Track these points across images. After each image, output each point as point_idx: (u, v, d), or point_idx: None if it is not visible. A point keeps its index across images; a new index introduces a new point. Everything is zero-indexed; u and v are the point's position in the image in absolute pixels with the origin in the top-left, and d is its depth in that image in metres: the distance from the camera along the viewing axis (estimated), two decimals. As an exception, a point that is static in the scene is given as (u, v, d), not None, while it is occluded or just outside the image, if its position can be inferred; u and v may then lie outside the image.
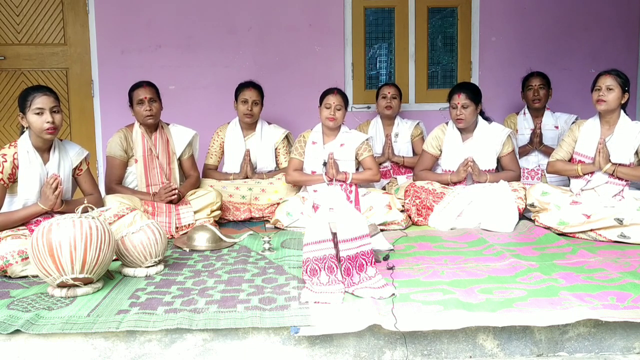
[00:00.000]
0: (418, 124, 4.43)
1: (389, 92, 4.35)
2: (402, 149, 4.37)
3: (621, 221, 3.02)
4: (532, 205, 3.42)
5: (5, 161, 2.71)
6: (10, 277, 2.53)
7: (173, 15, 4.67)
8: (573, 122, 3.88)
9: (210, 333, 2.00)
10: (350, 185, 3.56)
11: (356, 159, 3.69)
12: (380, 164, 4.28)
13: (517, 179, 3.66)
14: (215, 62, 4.74)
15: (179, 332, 2.00)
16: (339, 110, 3.61)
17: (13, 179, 2.75)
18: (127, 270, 2.55)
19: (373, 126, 4.45)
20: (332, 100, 3.60)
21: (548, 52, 4.92)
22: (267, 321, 2.00)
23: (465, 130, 3.70)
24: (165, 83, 4.50)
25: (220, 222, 3.65)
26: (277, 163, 4.08)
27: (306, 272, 2.35)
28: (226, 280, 2.46)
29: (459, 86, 3.71)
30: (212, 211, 3.53)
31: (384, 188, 4.16)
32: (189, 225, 3.38)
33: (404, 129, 4.40)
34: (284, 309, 2.09)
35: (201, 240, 3.02)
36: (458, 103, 3.59)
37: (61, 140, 2.97)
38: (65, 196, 2.88)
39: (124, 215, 2.87)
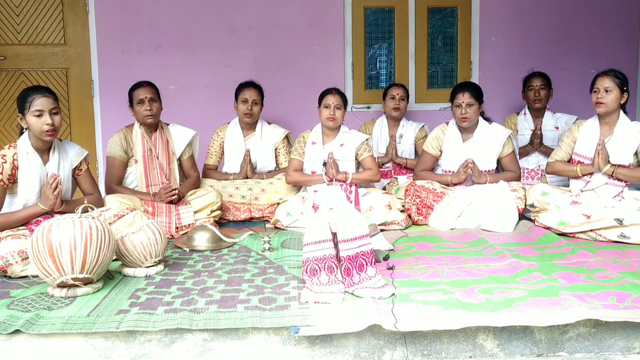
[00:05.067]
0: (423, 126, 4.43)
1: (397, 94, 4.35)
2: (405, 150, 4.37)
3: (621, 221, 3.02)
4: (532, 205, 3.42)
5: (5, 162, 2.71)
6: (10, 277, 2.53)
7: (173, 15, 4.67)
8: (573, 124, 3.88)
9: (210, 333, 2.00)
10: (350, 186, 3.56)
11: (356, 159, 3.69)
12: (383, 164, 4.29)
13: (517, 179, 3.66)
14: (215, 62, 4.74)
15: (179, 332, 2.00)
16: (338, 109, 3.61)
17: (13, 179, 2.75)
18: (127, 270, 2.55)
19: (378, 125, 4.44)
20: (331, 100, 3.60)
21: (548, 52, 4.92)
22: (267, 321, 2.00)
23: (466, 131, 3.70)
24: (165, 83, 4.50)
25: (220, 222, 3.65)
26: (277, 163, 4.08)
27: (306, 272, 2.35)
28: (226, 280, 2.46)
29: (462, 85, 3.71)
30: (212, 211, 3.53)
31: (384, 188, 4.17)
32: (189, 225, 3.38)
33: (408, 130, 4.39)
34: (284, 309, 2.09)
35: (201, 240, 3.02)
36: (463, 102, 3.59)
37: (61, 140, 2.97)
38: (65, 196, 2.88)
39: (124, 215, 2.87)
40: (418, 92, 4.96)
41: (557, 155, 3.49)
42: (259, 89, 3.99)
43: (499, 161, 3.71)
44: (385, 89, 4.47)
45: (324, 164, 3.59)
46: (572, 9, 4.93)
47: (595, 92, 3.26)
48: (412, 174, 4.07)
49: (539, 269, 2.50)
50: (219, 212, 3.58)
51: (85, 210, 2.36)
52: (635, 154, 3.25)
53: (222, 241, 3.05)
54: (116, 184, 3.51)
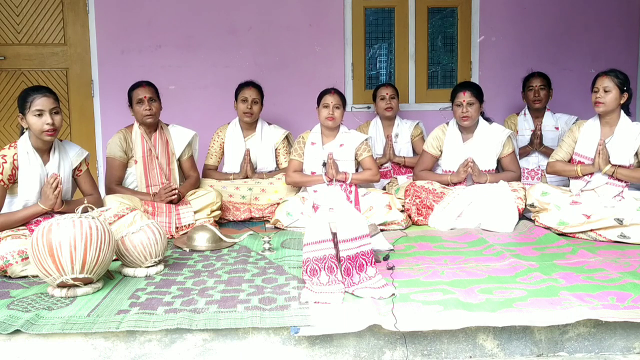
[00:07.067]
0: (418, 124, 4.43)
1: (387, 93, 4.34)
2: (403, 149, 4.37)
3: (621, 221, 3.02)
4: (532, 205, 3.41)
5: (5, 162, 2.71)
6: (10, 277, 2.53)
7: (173, 15, 4.67)
8: (573, 124, 3.88)
9: (210, 333, 2.00)
10: (350, 186, 3.56)
11: (356, 159, 3.69)
12: (381, 164, 4.29)
13: (518, 179, 3.66)
14: (215, 62, 4.74)
15: (179, 332, 2.00)
16: (337, 109, 3.61)
17: (13, 179, 2.75)
18: (127, 270, 2.55)
19: (373, 127, 4.44)
20: (330, 99, 3.60)
21: (548, 52, 4.92)
22: (267, 321, 2.00)
23: (466, 131, 3.70)
24: (165, 83, 4.50)
25: (220, 222, 3.65)
26: (277, 163, 4.08)
27: (306, 272, 2.35)
28: (226, 280, 2.46)
29: (462, 85, 3.72)
30: (212, 211, 3.53)
31: (384, 188, 4.17)
32: (189, 225, 3.38)
33: (404, 129, 4.39)
34: (284, 309, 2.09)
35: (201, 240, 3.02)
36: (464, 101, 3.59)
37: (61, 140, 2.97)
38: (65, 197, 2.88)
39: (124, 215, 2.87)
40: (418, 92, 4.96)
41: (557, 155, 3.50)
42: (258, 88, 4.00)
43: (499, 161, 3.71)
44: (374, 91, 4.47)
45: (324, 165, 3.59)
46: (572, 9, 4.93)
47: (595, 91, 3.26)
48: (411, 173, 4.07)
49: (539, 269, 2.50)
50: (219, 212, 3.58)
51: (85, 210, 2.36)
52: (636, 154, 3.25)
53: (222, 241, 3.05)
54: (116, 184, 3.51)
